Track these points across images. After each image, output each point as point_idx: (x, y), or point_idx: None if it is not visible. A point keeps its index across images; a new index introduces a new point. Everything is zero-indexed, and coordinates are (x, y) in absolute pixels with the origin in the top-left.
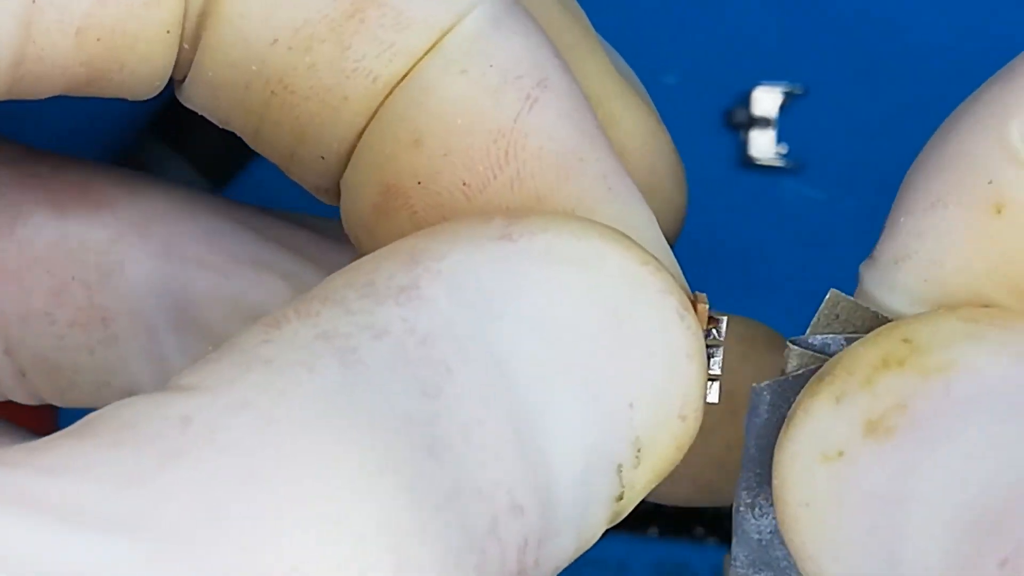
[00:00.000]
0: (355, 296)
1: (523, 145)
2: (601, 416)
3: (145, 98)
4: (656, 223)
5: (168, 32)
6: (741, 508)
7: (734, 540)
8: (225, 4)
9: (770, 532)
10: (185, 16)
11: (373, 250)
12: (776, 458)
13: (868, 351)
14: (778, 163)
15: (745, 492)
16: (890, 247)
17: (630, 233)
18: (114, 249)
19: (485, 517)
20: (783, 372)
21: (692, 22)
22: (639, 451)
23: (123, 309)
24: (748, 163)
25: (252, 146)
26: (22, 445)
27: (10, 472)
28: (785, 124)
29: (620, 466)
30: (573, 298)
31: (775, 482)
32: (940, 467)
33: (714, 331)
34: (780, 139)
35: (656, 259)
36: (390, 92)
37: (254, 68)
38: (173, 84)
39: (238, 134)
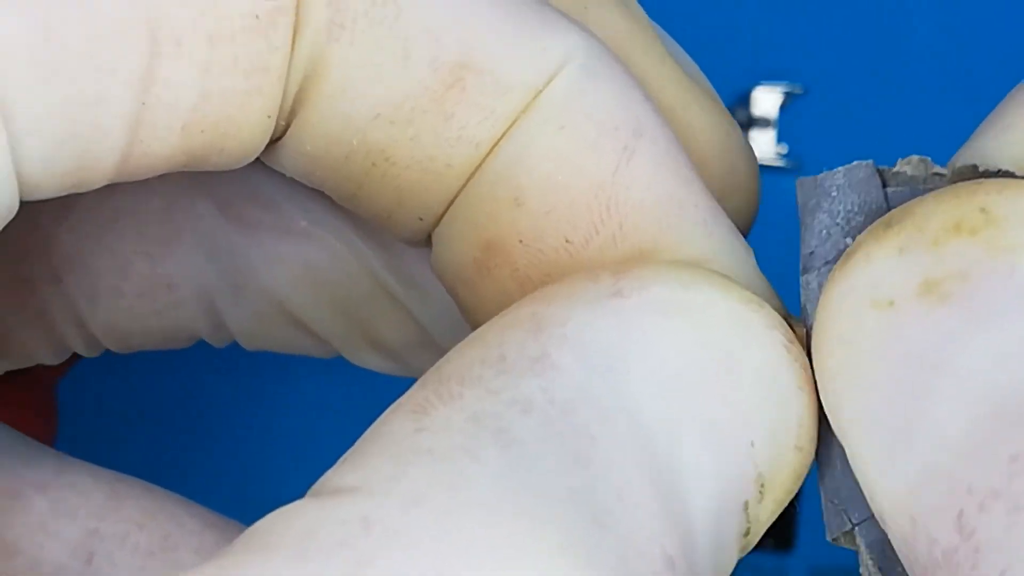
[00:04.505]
0: (492, 373)
1: (624, 198)
2: (727, 459)
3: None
4: (751, 255)
5: (269, 117)
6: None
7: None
8: (324, 83)
9: None
10: (283, 97)
11: (473, 303)
12: (826, 290)
13: (943, 211)
14: (778, 163)
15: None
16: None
17: (730, 272)
18: (169, 217)
19: None
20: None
21: (691, 22)
22: (762, 486)
23: (184, 274)
24: None
25: (344, 205)
26: (207, 566)
27: None
28: (785, 124)
29: (747, 503)
30: (688, 347)
31: (819, 311)
32: (984, 345)
33: None
34: (780, 139)
35: (756, 296)
36: (488, 153)
37: (355, 142)
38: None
39: (330, 195)
